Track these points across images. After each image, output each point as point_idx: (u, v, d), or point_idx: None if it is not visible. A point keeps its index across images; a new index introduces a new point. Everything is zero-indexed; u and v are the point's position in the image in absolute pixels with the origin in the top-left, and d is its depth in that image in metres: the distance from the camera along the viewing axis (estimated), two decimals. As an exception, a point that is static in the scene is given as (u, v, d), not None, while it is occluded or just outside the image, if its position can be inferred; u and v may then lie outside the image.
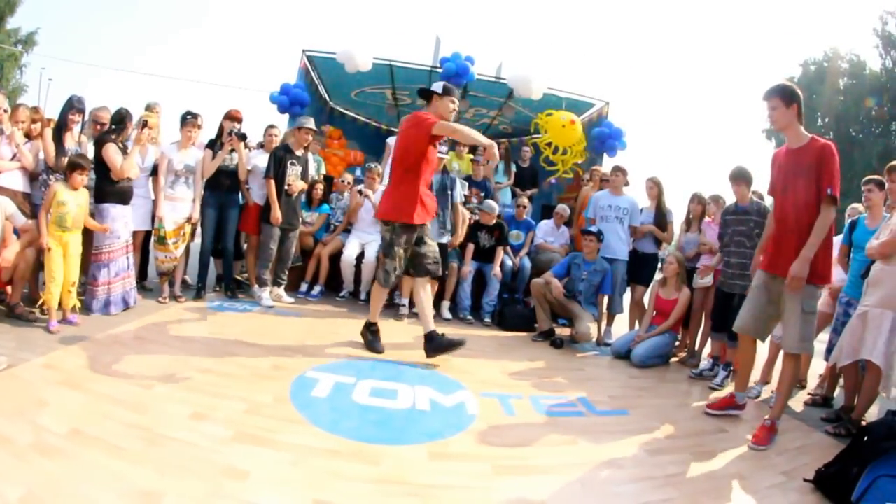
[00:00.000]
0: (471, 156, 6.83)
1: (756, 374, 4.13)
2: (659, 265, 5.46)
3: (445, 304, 5.45)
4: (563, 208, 6.13)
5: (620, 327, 5.36)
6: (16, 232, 3.46)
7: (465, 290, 5.43)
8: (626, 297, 5.44)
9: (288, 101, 6.75)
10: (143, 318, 3.87)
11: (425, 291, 3.78)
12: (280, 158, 4.82)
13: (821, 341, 4.01)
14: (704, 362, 4.37)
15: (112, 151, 3.85)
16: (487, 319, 5.43)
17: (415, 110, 3.85)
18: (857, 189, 3.91)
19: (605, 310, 5.18)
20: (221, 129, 4.88)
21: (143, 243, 4.77)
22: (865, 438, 2.31)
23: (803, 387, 4.14)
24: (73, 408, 2.26)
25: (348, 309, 5.23)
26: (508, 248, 5.71)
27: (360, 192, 5.65)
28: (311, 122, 5.02)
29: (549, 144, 6.42)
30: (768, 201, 3.69)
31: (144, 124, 4.09)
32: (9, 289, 3.54)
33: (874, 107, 22.75)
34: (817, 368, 4.19)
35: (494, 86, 7.09)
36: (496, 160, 3.40)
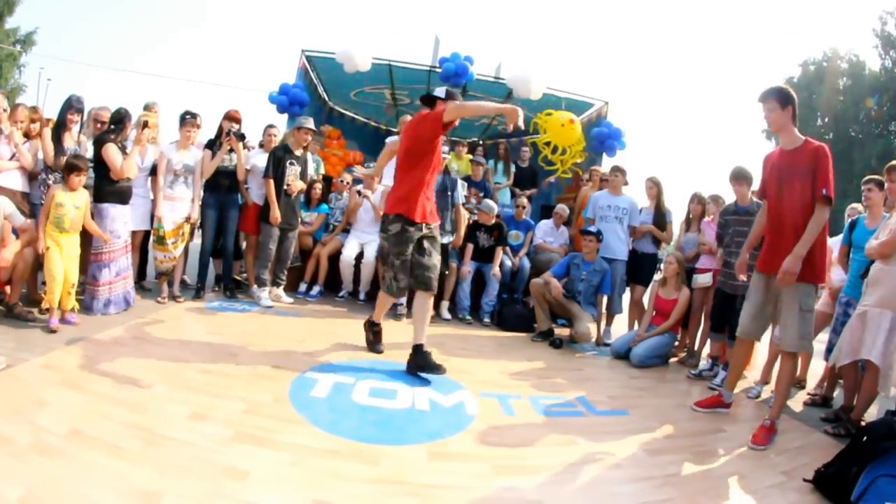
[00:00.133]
0: (469, 156, 6.83)
1: (756, 374, 4.14)
2: (659, 265, 5.47)
3: (445, 304, 5.44)
4: (562, 208, 6.12)
5: (620, 327, 5.37)
6: (15, 232, 3.46)
7: (465, 290, 5.43)
8: (626, 298, 5.44)
9: (287, 101, 6.76)
10: (141, 318, 3.87)
11: (422, 302, 3.46)
12: (279, 158, 4.82)
13: (820, 341, 4.01)
14: (704, 362, 4.38)
15: (112, 151, 3.85)
16: (486, 319, 5.43)
17: (414, 110, 3.84)
18: (857, 189, 3.91)
19: (604, 310, 5.18)
20: (221, 129, 4.88)
21: (142, 243, 4.77)
22: (865, 438, 2.31)
23: (803, 387, 4.15)
24: (72, 408, 2.26)
25: (347, 309, 5.23)
26: (507, 248, 5.71)
27: (359, 192, 5.65)
28: (310, 122, 5.02)
29: (547, 144, 6.42)
30: None
31: (145, 125, 4.09)
32: (7, 289, 3.53)
33: (873, 107, 22.78)
34: (817, 369, 4.19)
35: (493, 86, 7.08)
36: (520, 122, 3.20)
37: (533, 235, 6.02)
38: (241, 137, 4.85)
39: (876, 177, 3.61)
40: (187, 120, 4.53)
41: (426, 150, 3.39)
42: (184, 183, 4.49)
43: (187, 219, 4.52)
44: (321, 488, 1.90)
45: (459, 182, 5.51)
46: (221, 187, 4.79)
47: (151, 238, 4.55)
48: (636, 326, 5.05)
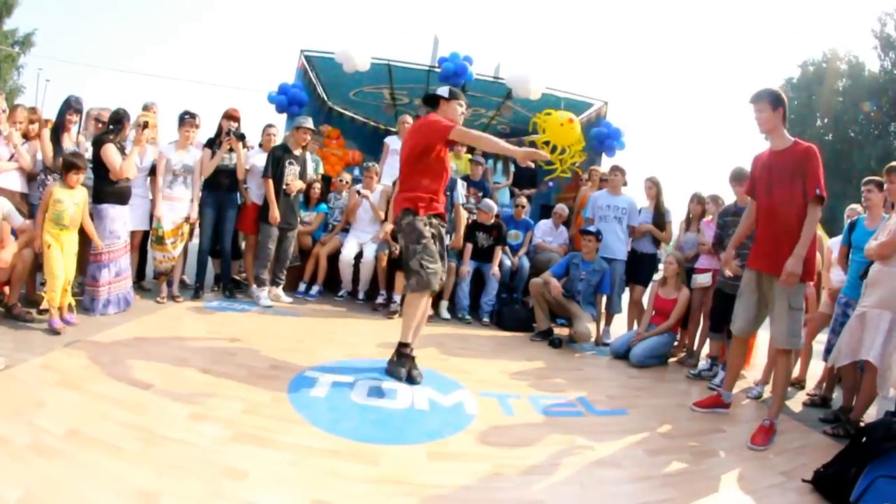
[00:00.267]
0: (469, 156, 6.83)
1: (756, 375, 4.14)
2: (658, 265, 5.47)
3: (444, 304, 5.44)
4: (561, 208, 6.13)
5: (619, 327, 5.37)
6: (14, 233, 3.45)
7: (464, 290, 5.43)
8: (625, 297, 5.44)
9: (286, 101, 6.76)
10: (141, 318, 3.87)
11: (420, 302, 3.24)
12: (278, 158, 4.82)
13: (819, 342, 4.02)
14: (703, 362, 4.38)
15: (111, 152, 3.84)
16: (486, 319, 5.43)
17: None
18: (856, 190, 3.91)
19: (603, 310, 5.18)
20: (220, 128, 4.88)
21: (141, 243, 4.76)
22: (864, 439, 2.31)
23: (802, 387, 4.15)
24: (71, 408, 2.26)
25: (346, 308, 5.24)
26: (507, 248, 5.71)
27: (358, 192, 5.65)
28: (308, 122, 5.02)
29: (546, 143, 6.42)
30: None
31: (145, 125, 4.09)
32: (6, 289, 3.52)
33: (872, 108, 22.80)
34: (816, 369, 4.20)
35: (493, 86, 7.09)
36: (539, 158, 3.17)
37: (532, 235, 6.02)
38: (242, 137, 4.85)
39: (875, 178, 3.61)
40: (186, 120, 4.52)
41: (423, 161, 3.23)
42: (183, 183, 4.48)
43: (186, 219, 4.51)
44: (321, 488, 1.90)
45: (459, 182, 5.51)
46: (221, 187, 4.79)
47: (150, 238, 4.55)
48: (635, 326, 5.05)
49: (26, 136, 3.93)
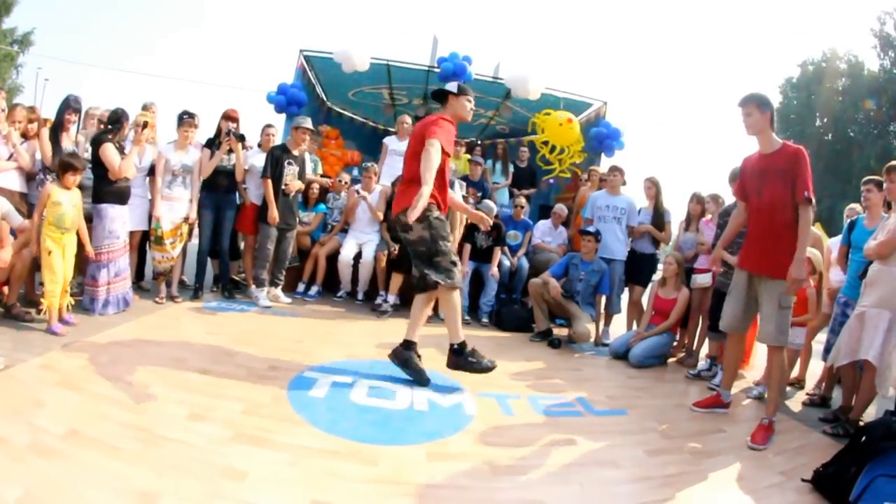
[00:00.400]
0: (468, 156, 6.83)
1: (756, 375, 4.14)
2: (657, 265, 5.46)
3: (444, 305, 5.43)
4: (560, 208, 6.13)
5: (618, 327, 5.37)
6: (13, 232, 3.44)
7: (463, 291, 5.42)
8: (624, 298, 5.44)
9: (285, 101, 6.75)
10: (139, 319, 3.86)
11: (423, 303, 3.29)
12: (277, 158, 4.82)
13: (819, 342, 4.02)
14: (702, 362, 4.38)
15: (110, 152, 3.84)
16: (485, 320, 5.43)
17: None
18: (856, 190, 3.92)
19: (602, 310, 5.18)
20: (219, 128, 4.87)
21: (140, 243, 4.76)
22: (863, 438, 2.31)
23: (802, 387, 4.15)
24: (70, 408, 2.25)
25: (346, 309, 5.24)
26: (506, 249, 5.71)
27: (357, 192, 5.65)
28: (307, 122, 5.01)
29: (545, 143, 6.42)
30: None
31: (144, 125, 4.08)
32: (5, 289, 3.52)
33: (872, 108, 22.82)
34: (815, 369, 4.20)
35: (492, 86, 7.08)
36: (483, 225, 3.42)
37: (531, 235, 6.02)
38: (241, 138, 4.85)
39: (875, 177, 3.61)
40: (185, 120, 4.52)
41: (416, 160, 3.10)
42: (182, 183, 4.48)
43: (185, 219, 4.51)
44: (320, 488, 1.90)
45: (457, 182, 5.50)
46: (219, 187, 4.79)
47: (149, 238, 4.55)
48: (635, 326, 5.06)
49: (25, 136, 3.92)
